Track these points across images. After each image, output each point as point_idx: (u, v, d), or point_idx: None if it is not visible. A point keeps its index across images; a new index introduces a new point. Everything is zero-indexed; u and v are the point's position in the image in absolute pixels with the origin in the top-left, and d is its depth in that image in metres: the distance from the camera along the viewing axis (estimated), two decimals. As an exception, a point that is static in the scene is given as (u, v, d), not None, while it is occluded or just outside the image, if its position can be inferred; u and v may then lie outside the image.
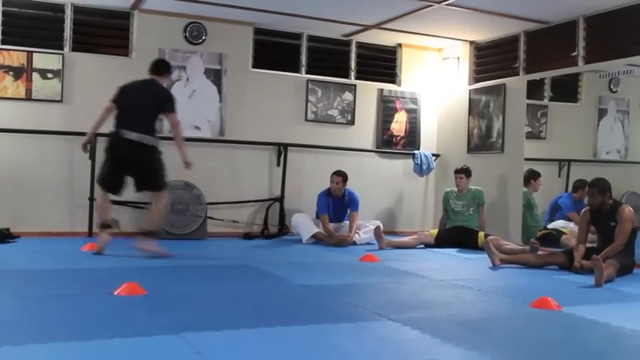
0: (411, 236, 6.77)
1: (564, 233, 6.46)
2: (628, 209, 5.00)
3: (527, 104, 7.03)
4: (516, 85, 7.07)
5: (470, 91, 7.71)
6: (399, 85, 8.02)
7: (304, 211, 7.06)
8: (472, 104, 7.68)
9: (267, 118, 7.29)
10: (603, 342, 3.02)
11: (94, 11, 6.63)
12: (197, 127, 6.95)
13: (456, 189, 6.90)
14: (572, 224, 6.49)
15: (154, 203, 5.27)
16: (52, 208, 6.40)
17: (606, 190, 5.06)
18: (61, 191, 6.44)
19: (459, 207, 6.83)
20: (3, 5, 6.30)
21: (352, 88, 7.74)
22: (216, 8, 6.56)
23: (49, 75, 6.41)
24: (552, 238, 6.44)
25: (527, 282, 4.65)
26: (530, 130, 7.16)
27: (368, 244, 6.61)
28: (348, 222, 6.82)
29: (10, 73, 6.28)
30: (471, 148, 7.67)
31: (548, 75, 6.91)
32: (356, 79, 7.80)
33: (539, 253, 5.47)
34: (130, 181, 5.23)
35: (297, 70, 7.52)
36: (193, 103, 6.95)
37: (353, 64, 7.79)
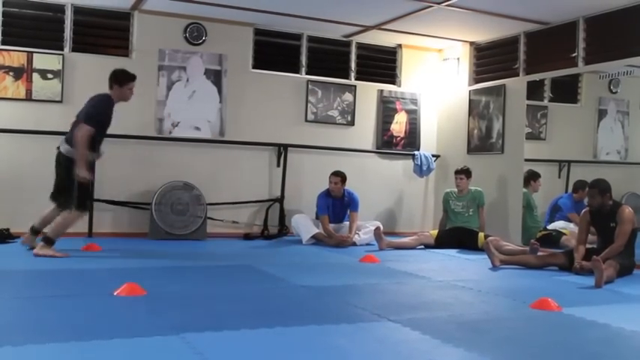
0: (410, 237, 6.77)
1: (564, 234, 6.46)
2: (628, 210, 5.00)
3: (527, 105, 7.03)
4: (516, 85, 7.07)
5: (470, 91, 7.71)
6: (399, 86, 8.02)
7: (304, 212, 7.06)
8: (472, 105, 7.68)
9: (267, 118, 7.28)
10: (603, 343, 3.01)
11: (94, 12, 6.63)
12: (197, 128, 6.95)
13: (455, 190, 6.91)
14: (572, 225, 6.49)
15: (67, 213, 5.13)
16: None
17: (606, 191, 5.07)
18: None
19: (458, 208, 6.84)
20: (3, 5, 6.31)
21: (352, 89, 7.73)
22: (216, 9, 6.56)
23: (49, 75, 6.41)
24: (552, 239, 6.44)
25: (527, 283, 4.65)
26: (530, 130, 7.16)
27: (368, 244, 6.61)
28: (347, 223, 6.82)
29: (10, 73, 6.29)
30: (471, 149, 7.67)
31: (548, 76, 6.91)
32: (356, 79, 7.80)
33: (539, 253, 5.46)
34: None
35: (297, 70, 7.52)
36: (193, 104, 6.95)
37: (353, 65, 7.79)
